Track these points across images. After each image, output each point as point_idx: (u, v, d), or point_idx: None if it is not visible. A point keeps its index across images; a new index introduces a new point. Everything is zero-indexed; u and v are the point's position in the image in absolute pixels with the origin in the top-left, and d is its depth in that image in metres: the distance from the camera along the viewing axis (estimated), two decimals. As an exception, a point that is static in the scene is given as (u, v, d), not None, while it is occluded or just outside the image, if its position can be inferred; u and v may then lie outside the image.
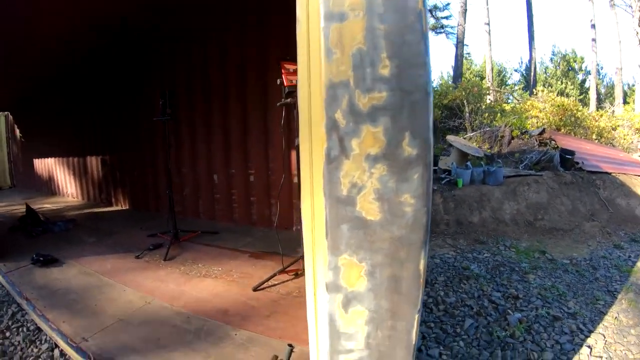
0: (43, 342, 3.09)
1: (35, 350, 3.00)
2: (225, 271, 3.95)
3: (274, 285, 3.54)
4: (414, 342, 1.28)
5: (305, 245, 1.42)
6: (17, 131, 10.61)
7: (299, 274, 3.73)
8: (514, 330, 3.00)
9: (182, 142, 6.19)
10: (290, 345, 2.30)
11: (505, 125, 10.37)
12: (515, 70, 26.97)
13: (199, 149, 6.10)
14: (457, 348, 2.89)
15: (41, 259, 4.28)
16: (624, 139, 11.51)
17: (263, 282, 3.52)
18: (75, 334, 2.88)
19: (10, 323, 3.35)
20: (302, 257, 3.69)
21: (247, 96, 5.45)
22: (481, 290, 3.72)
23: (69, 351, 2.84)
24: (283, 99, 3.31)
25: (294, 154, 4.77)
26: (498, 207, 6.19)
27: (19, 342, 3.10)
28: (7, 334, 3.20)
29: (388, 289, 1.27)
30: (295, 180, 4.32)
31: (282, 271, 3.66)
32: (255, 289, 3.45)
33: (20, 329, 3.27)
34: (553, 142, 9.07)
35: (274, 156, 5.33)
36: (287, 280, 3.63)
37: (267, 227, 5.37)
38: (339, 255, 1.28)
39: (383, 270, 1.26)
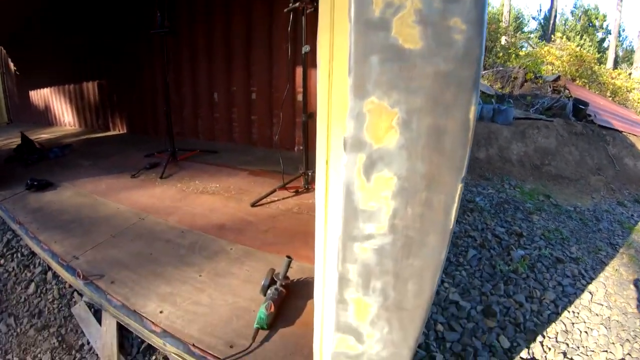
0: (37, 265, 3.05)
1: (28, 274, 2.97)
2: (223, 188, 3.76)
3: (274, 201, 3.35)
4: (451, 226, 0.96)
5: (319, 91, 1.05)
6: (11, 65, 10.15)
7: (300, 191, 3.53)
8: (517, 266, 2.93)
9: (181, 60, 5.78)
10: (288, 257, 2.12)
11: (520, 67, 9.87)
12: (533, 18, 25.03)
13: (198, 66, 5.69)
14: (459, 277, 2.83)
15: (35, 183, 4.11)
16: (638, 103, 11.09)
17: (262, 198, 3.33)
18: (66, 253, 2.76)
19: (4, 250, 3.29)
20: (304, 174, 3.52)
21: (252, 6, 4.96)
22: (485, 224, 3.64)
23: (59, 270, 2.73)
24: (291, 4, 2.94)
25: (299, 70, 4.42)
26: (506, 146, 6.04)
27: (13, 268, 3.04)
28: (2, 261, 3.15)
29: (427, 145, 0.92)
30: (300, 97, 4.00)
31: (282, 187, 3.45)
32: (253, 205, 3.27)
33: (15, 255, 3.21)
34: (567, 90, 8.70)
35: (277, 73, 4.95)
36: (287, 197, 3.43)
37: (268, 148, 5.14)
38: (365, 98, 0.92)
39: (422, 119, 0.91)
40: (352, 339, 1.21)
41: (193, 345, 1.81)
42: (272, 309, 1.89)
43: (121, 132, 7.24)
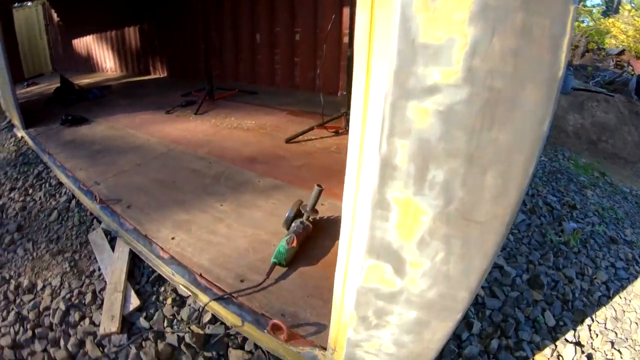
0: (62, 194, 2.97)
1: (53, 203, 2.90)
2: (258, 125, 3.49)
3: (310, 140, 3.05)
4: (560, 72, 0.57)
5: None
6: (55, 16, 10.17)
7: (340, 132, 3.20)
8: (569, 239, 2.59)
9: (222, 1, 5.47)
10: (319, 186, 1.81)
11: (582, 35, 8.93)
12: (598, -8, 22.52)
13: (240, 6, 5.35)
14: (505, 241, 2.49)
15: (70, 118, 4.02)
16: None
17: (298, 135, 3.04)
18: (88, 179, 2.64)
19: (34, 181, 3.26)
20: (345, 114, 3.18)
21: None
22: (536, 190, 3.30)
23: (80, 196, 2.61)
24: None
25: (346, 10, 4.03)
26: (562, 115, 5.64)
27: (40, 197, 3.00)
28: (30, 190, 3.13)
29: None
30: (346, 39, 3.62)
31: (321, 125, 3.13)
32: (288, 141, 2.99)
33: (43, 186, 3.17)
34: (631, 67, 8.08)
35: (322, 12, 4.54)
36: (326, 137, 3.12)
37: (310, 91, 4.80)
38: None
39: None
40: (388, 268, 0.88)
41: (200, 275, 1.57)
42: (294, 244, 1.61)
43: (161, 76, 7.09)
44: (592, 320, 1.99)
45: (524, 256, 2.37)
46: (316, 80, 4.72)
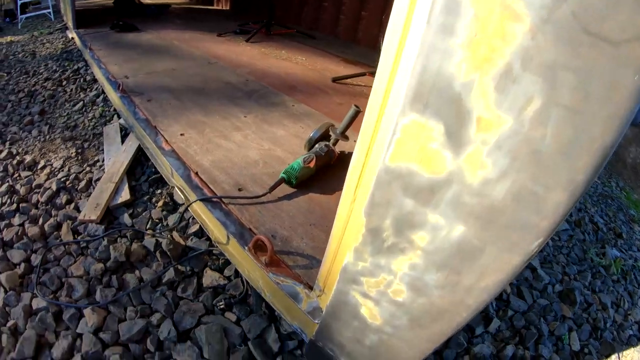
0: (93, 90, 2.88)
1: (82, 95, 2.82)
2: (309, 62, 3.23)
3: (359, 85, 2.76)
4: None
5: None
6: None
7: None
8: (610, 264, 2.37)
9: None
10: (356, 106, 1.53)
11: None
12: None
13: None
14: (545, 247, 2.27)
15: (120, 23, 3.87)
16: None
17: (347, 77, 2.75)
18: (119, 73, 2.50)
19: (70, 75, 3.19)
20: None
21: None
22: (584, 206, 3.09)
23: (107, 88, 2.46)
24: None
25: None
26: (623, 144, 5.07)
27: (71, 89, 2.93)
28: (64, 82, 3.06)
29: None
30: None
31: (373, 74, 2.82)
32: (335, 80, 2.70)
33: (77, 80, 3.09)
34: None
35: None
36: (377, 87, 2.80)
37: (371, 49, 4.45)
38: None
39: None
40: (439, 130, 0.51)
41: (196, 173, 1.35)
42: (312, 165, 1.36)
43: (224, 8, 6.87)
44: (619, 358, 1.74)
45: (560, 266, 2.12)
46: (379, 38, 4.36)
